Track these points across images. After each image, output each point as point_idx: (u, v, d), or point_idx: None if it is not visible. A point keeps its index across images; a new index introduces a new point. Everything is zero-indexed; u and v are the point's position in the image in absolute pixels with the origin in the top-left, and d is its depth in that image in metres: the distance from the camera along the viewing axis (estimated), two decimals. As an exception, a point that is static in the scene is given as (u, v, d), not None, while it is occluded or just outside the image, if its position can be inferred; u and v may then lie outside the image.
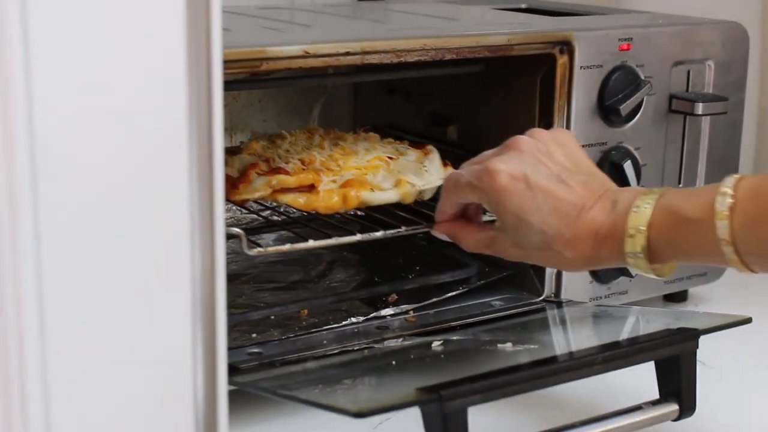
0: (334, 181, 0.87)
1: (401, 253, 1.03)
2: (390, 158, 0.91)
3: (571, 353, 0.83)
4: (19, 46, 0.45)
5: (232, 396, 0.60)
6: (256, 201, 0.98)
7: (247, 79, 0.89)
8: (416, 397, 0.69)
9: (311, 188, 0.87)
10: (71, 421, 0.50)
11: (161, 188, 0.52)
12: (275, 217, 0.99)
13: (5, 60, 0.45)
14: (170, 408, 0.54)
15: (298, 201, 0.86)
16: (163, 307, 0.53)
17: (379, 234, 0.89)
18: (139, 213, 0.51)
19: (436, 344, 0.84)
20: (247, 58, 0.77)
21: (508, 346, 0.82)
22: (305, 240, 0.87)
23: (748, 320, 0.83)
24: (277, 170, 0.87)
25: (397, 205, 0.91)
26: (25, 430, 0.49)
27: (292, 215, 0.97)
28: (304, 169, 0.88)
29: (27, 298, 0.48)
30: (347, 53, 0.83)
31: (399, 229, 0.90)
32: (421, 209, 0.92)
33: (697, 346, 0.80)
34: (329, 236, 0.87)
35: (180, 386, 0.54)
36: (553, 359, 0.79)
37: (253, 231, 1.01)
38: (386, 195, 0.88)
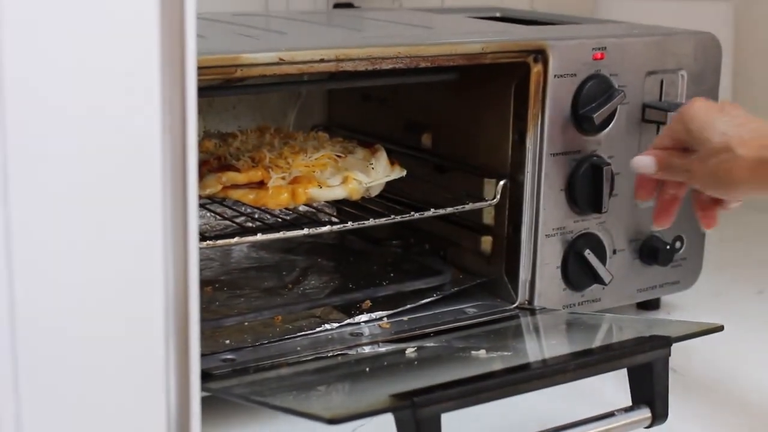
0: (283, 178, 0.89)
1: (375, 259, 1.04)
2: (338, 156, 0.94)
3: (544, 360, 0.84)
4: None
5: (206, 402, 0.60)
6: (231, 208, 0.98)
7: (221, 86, 0.89)
8: (389, 404, 0.69)
9: (261, 185, 0.89)
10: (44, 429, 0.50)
11: (134, 193, 0.52)
12: (249, 224, 0.99)
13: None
14: (143, 415, 0.54)
15: (248, 197, 0.89)
16: (136, 313, 0.53)
17: (325, 228, 0.91)
18: (111, 218, 0.51)
19: (410, 351, 0.85)
20: (222, 64, 0.78)
21: (482, 353, 0.83)
22: (277, 245, 0.87)
23: (720, 328, 0.84)
24: (228, 167, 0.89)
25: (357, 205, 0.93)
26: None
27: (266, 221, 0.97)
28: (253, 166, 0.90)
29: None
30: (322, 60, 0.83)
31: (345, 224, 0.91)
32: (368, 205, 0.94)
33: (670, 354, 0.81)
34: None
35: (153, 393, 0.54)
36: (526, 366, 0.80)
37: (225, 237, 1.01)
38: (334, 192, 0.91)
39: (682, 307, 1.10)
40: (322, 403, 0.74)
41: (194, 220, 0.54)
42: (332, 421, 0.66)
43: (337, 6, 1.28)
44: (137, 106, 0.50)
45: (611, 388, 0.87)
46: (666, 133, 0.91)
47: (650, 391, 0.80)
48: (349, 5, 1.29)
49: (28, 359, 0.49)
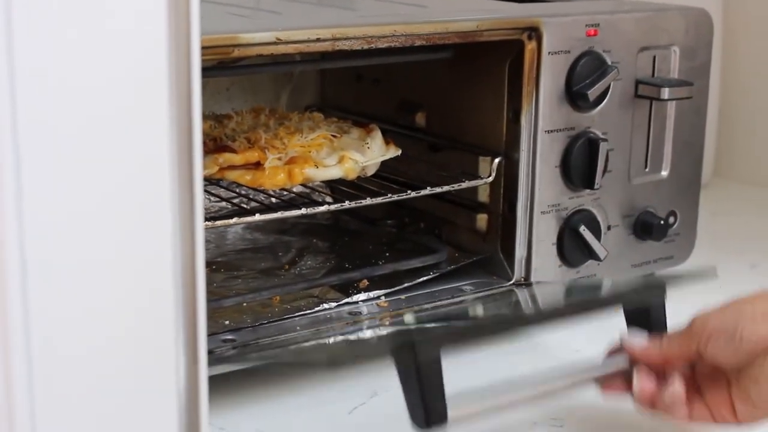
0: (279, 159, 0.90)
1: (371, 239, 1.04)
2: (334, 136, 0.94)
3: (540, 305, 0.85)
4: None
5: (210, 384, 0.60)
6: (226, 188, 0.99)
7: (216, 67, 0.89)
8: (389, 345, 0.69)
9: (257, 165, 0.89)
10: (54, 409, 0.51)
11: (142, 173, 0.52)
12: (244, 205, 0.99)
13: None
14: (153, 393, 0.54)
15: (245, 178, 0.89)
16: (145, 294, 0.53)
17: (323, 208, 0.92)
18: (120, 200, 0.51)
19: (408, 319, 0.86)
20: (219, 44, 0.78)
21: (479, 310, 0.83)
22: (272, 226, 0.88)
23: (714, 271, 0.84)
24: (224, 148, 0.89)
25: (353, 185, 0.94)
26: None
27: (263, 202, 0.98)
28: (250, 147, 0.90)
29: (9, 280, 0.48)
30: (318, 39, 0.83)
31: (342, 204, 0.92)
32: (363, 185, 0.95)
33: (665, 296, 0.81)
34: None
35: (162, 374, 0.54)
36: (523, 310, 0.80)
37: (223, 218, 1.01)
38: (330, 171, 0.91)
39: (676, 282, 1.10)
40: (322, 352, 0.74)
41: (200, 199, 0.55)
42: (332, 363, 0.65)
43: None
44: (146, 87, 0.51)
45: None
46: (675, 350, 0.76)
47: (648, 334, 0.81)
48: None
49: (39, 335, 0.49)
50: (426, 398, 0.68)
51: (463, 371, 0.86)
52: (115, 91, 0.50)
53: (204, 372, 0.56)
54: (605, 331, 0.99)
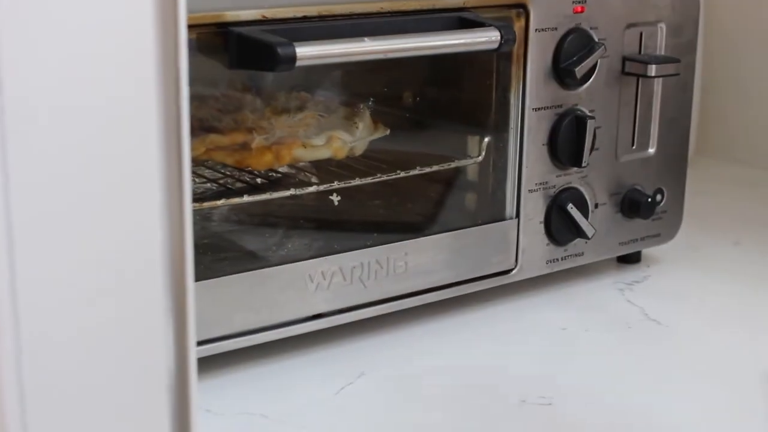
0: (266, 139, 0.89)
1: (359, 220, 1.03)
2: (321, 116, 0.93)
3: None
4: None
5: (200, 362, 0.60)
6: (211, 169, 0.97)
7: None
8: None
9: (244, 146, 0.88)
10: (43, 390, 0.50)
11: (130, 157, 0.51)
12: (230, 186, 0.98)
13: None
14: (142, 377, 0.53)
15: (232, 158, 0.88)
16: (134, 277, 0.52)
17: (312, 188, 0.91)
18: (108, 183, 0.50)
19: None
20: (206, 22, 0.76)
21: None
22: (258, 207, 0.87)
23: None
24: (210, 129, 0.87)
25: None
26: None
27: (249, 183, 0.96)
28: (236, 128, 0.89)
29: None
30: (305, 17, 0.82)
31: (331, 184, 0.91)
32: (352, 164, 0.93)
33: None
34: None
35: (152, 356, 0.54)
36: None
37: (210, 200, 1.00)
38: (318, 151, 0.90)
39: (662, 259, 1.10)
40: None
41: (188, 182, 0.54)
42: None
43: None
44: (133, 67, 0.49)
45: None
46: None
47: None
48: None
49: (29, 319, 0.48)
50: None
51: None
52: (101, 74, 0.48)
53: (193, 354, 0.55)
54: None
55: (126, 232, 0.51)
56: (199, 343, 0.77)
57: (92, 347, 0.51)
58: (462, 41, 0.87)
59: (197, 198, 0.91)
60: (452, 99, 1.00)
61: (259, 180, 0.98)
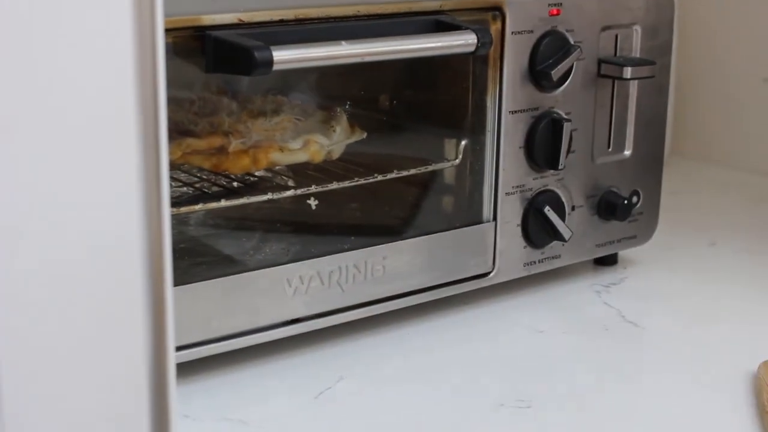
0: (243, 143, 0.88)
1: (335, 223, 1.03)
2: (298, 119, 0.93)
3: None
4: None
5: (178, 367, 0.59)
6: (187, 173, 0.97)
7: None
8: None
9: (221, 150, 0.88)
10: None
11: (109, 161, 0.51)
12: (206, 190, 0.97)
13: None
14: (121, 386, 0.53)
15: (209, 162, 0.88)
16: (113, 283, 0.52)
17: (289, 193, 0.90)
18: (87, 188, 0.50)
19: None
20: (182, 26, 0.76)
21: None
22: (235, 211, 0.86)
23: None
24: (187, 133, 0.87)
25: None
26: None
27: (226, 186, 0.96)
28: (213, 132, 0.88)
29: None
30: (281, 21, 0.82)
31: (309, 188, 0.91)
32: (329, 168, 0.93)
33: None
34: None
35: (130, 363, 0.53)
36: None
37: (187, 204, 1.00)
38: (295, 155, 0.90)
39: (639, 261, 1.11)
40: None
41: (166, 186, 0.53)
42: None
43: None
44: (112, 69, 0.49)
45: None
46: None
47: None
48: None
49: (11, 319, 0.48)
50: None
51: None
52: (81, 75, 0.48)
53: (172, 360, 0.55)
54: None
55: (105, 236, 0.51)
56: (177, 349, 0.76)
57: (73, 349, 0.51)
58: (439, 44, 0.87)
59: (174, 203, 0.91)
60: (429, 102, 1.00)
61: (235, 184, 0.98)
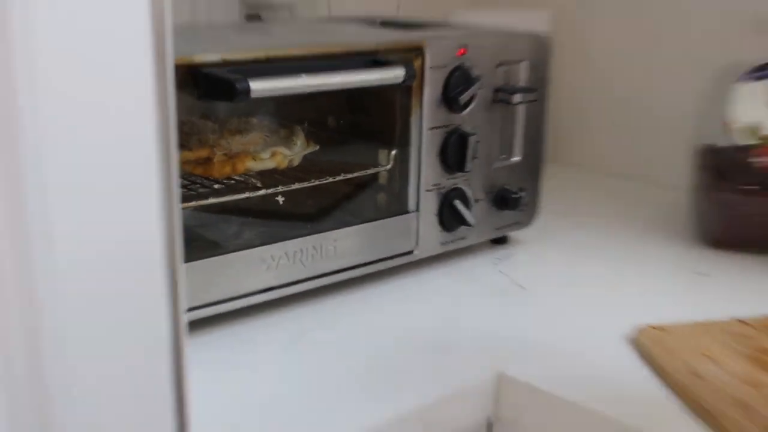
0: (225, 154, 0.89)
1: (295, 216, 1.03)
2: (267, 136, 0.94)
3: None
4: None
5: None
6: (180, 177, 0.97)
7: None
8: None
9: (207, 160, 0.89)
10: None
11: (136, 164, 0.51)
12: (199, 190, 0.98)
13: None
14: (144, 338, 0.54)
15: (198, 169, 0.89)
16: (140, 270, 0.52)
17: (261, 192, 0.91)
18: (121, 185, 0.50)
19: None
20: (179, 64, 0.76)
21: None
22: (215, 208, 0.87)
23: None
24: (181, 147, 0.88)
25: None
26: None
27: (211, 187, 0.96)
28: (201, 146, 0.90)
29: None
30: (255, 60, 0.83)
31: (276, 188, 0.92)
32: (291, 173, 0.95)
33: None
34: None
35: (157, 326, 0.54)
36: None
37: (183, 201, 0.99)
38: (265, 163, 0.91)
39: (525, 240, 1.13)
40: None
41: (177, 187, 0.54)
42: None
43: (248, 17, 1.27)
44: (139, 99, 0.50)
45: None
46: None
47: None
48: (257, 17, 1.27)
49: (58, 298, 0.48)
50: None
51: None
52: (115, 105, 0.48)
53: (184, 318, 0.56)
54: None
55: (135, 227, 0.52)
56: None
57: (111, 330, 0.51)
58: (375, 77, 0.89)
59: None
60: (367, 121, 1.01)
61: (216, 186, 0.98)
